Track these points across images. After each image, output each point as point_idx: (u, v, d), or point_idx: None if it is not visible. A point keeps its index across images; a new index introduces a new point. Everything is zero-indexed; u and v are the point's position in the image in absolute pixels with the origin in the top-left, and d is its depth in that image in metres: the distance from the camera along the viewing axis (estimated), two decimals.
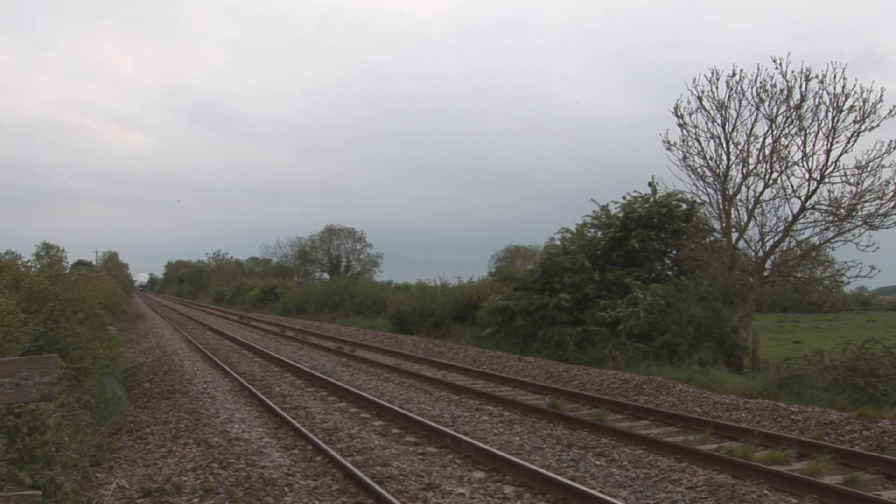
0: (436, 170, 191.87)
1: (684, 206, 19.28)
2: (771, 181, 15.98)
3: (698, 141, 16.87)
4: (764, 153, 15.99)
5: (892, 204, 14.48)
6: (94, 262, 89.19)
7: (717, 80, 16.34)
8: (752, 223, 16.45)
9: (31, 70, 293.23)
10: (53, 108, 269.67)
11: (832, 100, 14.94)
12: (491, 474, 7.27)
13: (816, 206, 15.57)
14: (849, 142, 14.90)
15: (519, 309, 19.69)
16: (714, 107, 16.51)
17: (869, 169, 14.71)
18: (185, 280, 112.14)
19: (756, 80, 15.87)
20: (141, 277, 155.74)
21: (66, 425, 5.49)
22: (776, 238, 16.14)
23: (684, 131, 17.00)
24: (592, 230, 20.56)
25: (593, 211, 20.69)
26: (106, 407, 8.99)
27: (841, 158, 15.04)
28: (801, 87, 15.32)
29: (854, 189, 14.92)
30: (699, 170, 16.91)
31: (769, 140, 15.93)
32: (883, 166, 14.59)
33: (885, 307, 72.25)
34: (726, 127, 16.46)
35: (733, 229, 16.77)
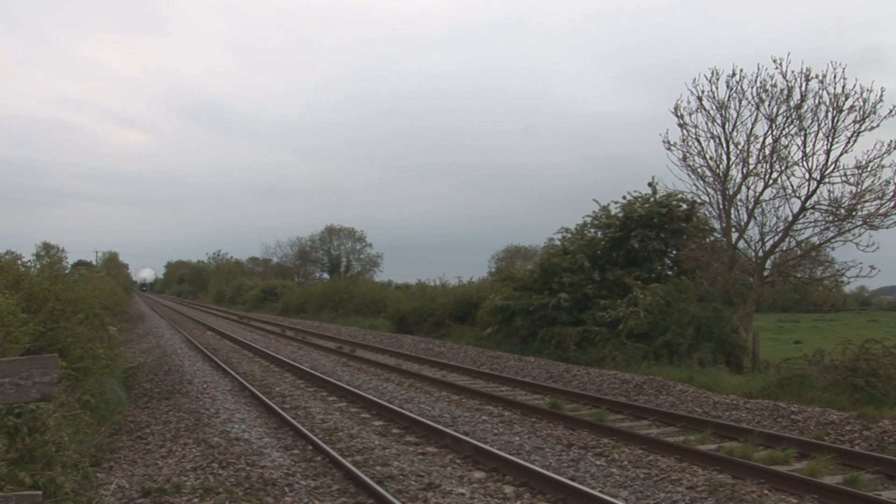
0: (436, 169, 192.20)
1: (684, 206, 19.28)
2: (771, 181, 16.01)
3: (698, 141, 16.89)
4: (764, 153, 16.00)
5: (892, 204, 14.49)
6: (94, 262, 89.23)
7: (717, 80, 16.38)
8: (752, 223, 16.48)
9: (26, 67, 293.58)
10: (51, 106, 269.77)
11: (832, 100, 14.96)
12: (491, 474, 7.26)
13: (816, 206, 15.58)
14: (849, 142, 14.92)
15: (519, 309, 19.69)
16: (714, 107, 16.53)
17: (869, 169, 14.73)
18: (185, 280, 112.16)
19: (756, 80, 15.91)
20: (143, 274, 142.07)
21: (66, 425, 5.49)
22: (776, 238, 16.16)
23: (684, 131, 17.04)
24: (592, 230, 20.56)
25: (593, 211, 20.72)
26: (106, 407, 9.00)
27: (841, 158, 15.08)
28: (801, 87, 15.35)
29: (854, 189, 14.95)
30: (699, 170, 16.93)
31: (769, 140, 15.95)
32: (883, 166, 14.63)
33: (886, 307, 72.30)
34: (726, 127, 16.48)
35: (733, 229, 16.77)
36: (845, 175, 15.03)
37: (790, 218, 15.87)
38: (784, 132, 15.73)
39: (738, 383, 12.57)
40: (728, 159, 16.57)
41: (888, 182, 14.56)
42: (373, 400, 11.32)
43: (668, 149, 17.33)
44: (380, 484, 6.67)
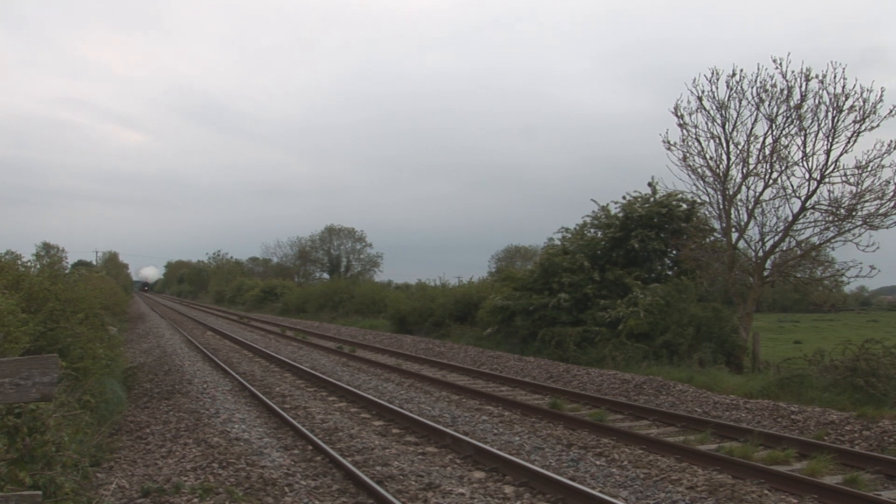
0: (436, 169, 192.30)
1: (684, 206, 19.28)
2: (771, 181, 16.00)
3: (698, 141, 16.89)
4: (764, 153, 16.00)
5: (892, 204, 14.49)
6: (94, 262, 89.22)
7: (717, 79, 16.38)
8: (752, 223, 16.48)
9: (26, 67, 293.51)
10: (50, 106, 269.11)
11: (832, 100, 14.96)
12: (491, 474, 7.27)
13: (816, 206, 15.58)
14: (849, 142, 14.92)
15: (519, 309, 19.69)
16: (714, 107, 16.53)
17: (869, 169, 14.73)
18: (186, 280, 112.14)
19: (756, 80, 15.91)
20: (146, 272, 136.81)
21: (66, 425, 5.49)
22: (776, 238, 16.16)
23: (684, 131, 17.03)
24: (592, 230, 20.56)
25: (593, 211, 20.73)
26: (106, 407, 9.00)
27: (841, 158, 15.08)
28: (801, 86, 15.35)
29: (854, 189, 14.95)
30: (699, 170, 16.93)
31: (769, 140, 15.95)
32: (883, 166, 14.63)
33: (885, 307, 72.30)
34: (726, 127, 16.48)
35: (733, 229, 16.77)
36: (845, 175, 15.05)
37: (790, 218, 15.88)
38: (784, 132, 15.74)
39: (738, 383, 12.57)
40: (728, 159, 16.58)
41: (888, 182, 14.58)
42: (373, 400, 11.32)
43: (668, 149, 17.35)
44: (380, 484, 6.67)
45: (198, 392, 12.40)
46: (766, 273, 16.53)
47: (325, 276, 66.80)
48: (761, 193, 16.19)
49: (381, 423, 10.06)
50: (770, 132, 15.91)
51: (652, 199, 19.42)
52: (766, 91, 15.77)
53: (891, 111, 14.51)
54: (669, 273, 19.26)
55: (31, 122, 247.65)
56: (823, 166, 15.26)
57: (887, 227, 14.64)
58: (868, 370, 10.92)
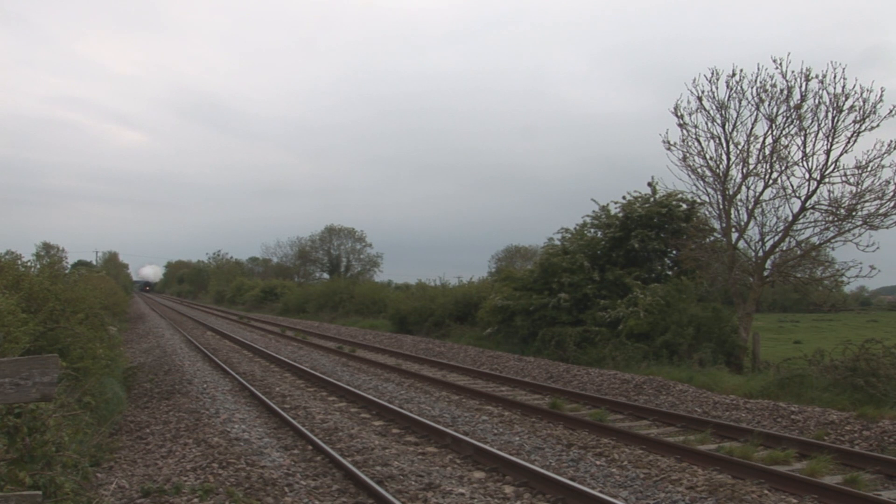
0: (436, 169, 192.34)
1: (684, 206, 19.28)
2: (771, 181, 15.99)
3: (698, 141, 16.87)
4: (764, 153, 15.99)
5: (892, 204, 14.47)
6: (94, 262, 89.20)
7: (717, 80, 16.35)
8: (752, 223, 16.45)
9: (25, 66, 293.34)
10: (50, 105, 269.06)
11: (832, 100, 14.93)
12: (491, 474, 7.27)
13: (816, 206, 15.57)
14: (849, 142, 14.90)
15: (519, 309, 19.70)
16: (714, 107, 16.51)
17: (869, 169, 14.71)
18: (185, 280, 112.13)
19: (756, 80, 15.88)
20: (146, 272, 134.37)
21: (66, 425, 5.48)
22: (776, 238, 16.14)
23: (684, 131, 17.01)
24: (592, 230, 20.57)
25: (593, 211, 20.74)
26: (106, 407, 8.99)
27: (841, 158, 15.05)
28: (801, 87, 15.32)
29: (854, 189, 14.93)
30: (699, 170, 16.91)
31: (769, 140, 15.93)
32: (883, 166, 14.60)
33: (885, 307, 72.19)
34: (726, 127, 16.46)
35: (733, 229, 16.76)
36: (845, 175, 15.02)
37: (790, 218, 15.86)
38: (784, 132, 15.72)
39: (738, 383, 12.57)
40: (728, 159, 16.56)
41: (888, 182, 14.55)
42: (373, 400, 11.32)
43: (668, 149, 17.32)
44: (380, 484, 6.67)
45: (198, 392, 12.39)
46: (766, 273, 16.52)
47: (325, 276, 66.79)
48: (761, 193, 16.18)
49: (381, 423, 10.06)
50: (770, 132, 15.90)
51: (652, 199, 19.43)
52: (766, 91, 15.76)
53: (891, 111, 14.50)
54: (669, 273, 19.27)
55: (31, 122, 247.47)
56: (823, 166, 15.25)
57: (887, 227, 14.63)
58: (868, 370, 10.92)
